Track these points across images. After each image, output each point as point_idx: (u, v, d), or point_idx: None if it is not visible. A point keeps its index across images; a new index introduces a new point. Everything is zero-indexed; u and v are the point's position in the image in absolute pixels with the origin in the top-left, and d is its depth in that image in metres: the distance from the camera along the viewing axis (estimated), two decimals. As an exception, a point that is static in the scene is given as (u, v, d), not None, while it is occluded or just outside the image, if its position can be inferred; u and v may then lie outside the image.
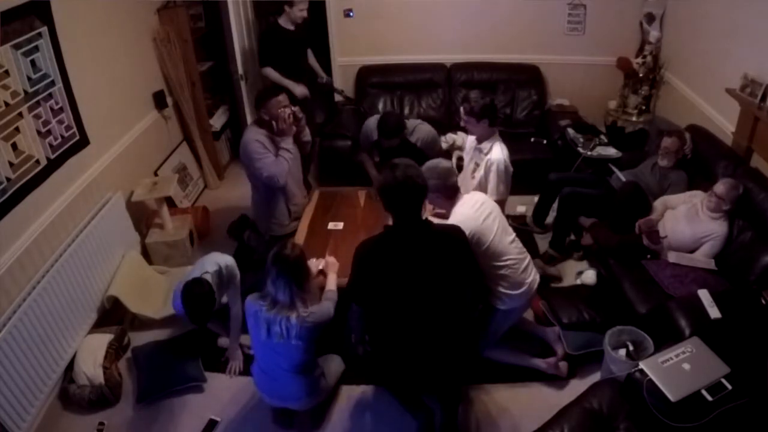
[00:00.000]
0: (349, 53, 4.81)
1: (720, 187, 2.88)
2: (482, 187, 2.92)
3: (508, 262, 2.54)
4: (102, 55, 3.36)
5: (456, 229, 2.26)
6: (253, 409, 2.66)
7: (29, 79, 2.69)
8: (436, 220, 2.37)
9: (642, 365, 2.14)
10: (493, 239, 2.48)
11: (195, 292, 2.45)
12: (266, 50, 3.88)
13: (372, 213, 3.22)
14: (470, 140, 3.14)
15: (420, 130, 3.45)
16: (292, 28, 3.84)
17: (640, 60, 4.31)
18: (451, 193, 2.53)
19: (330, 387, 2.57)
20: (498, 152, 2.89)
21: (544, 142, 4.24)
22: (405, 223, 2.11)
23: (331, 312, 2.33)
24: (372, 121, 3.49)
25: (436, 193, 2.47)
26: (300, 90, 3.89)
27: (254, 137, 3.05)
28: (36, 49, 2.73)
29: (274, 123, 3.03)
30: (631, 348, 2.54)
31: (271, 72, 3.87)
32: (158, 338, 3.04)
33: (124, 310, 3.12)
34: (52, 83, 2.86)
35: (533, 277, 2.67)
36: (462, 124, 3.10)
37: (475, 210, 2.49)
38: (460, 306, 2.25)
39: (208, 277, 2.57)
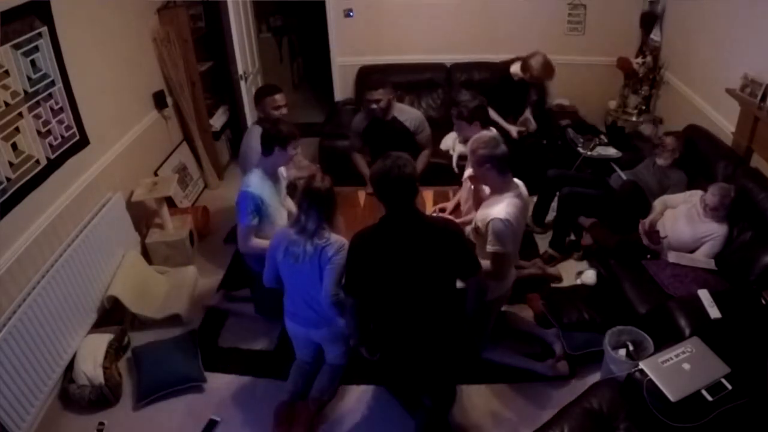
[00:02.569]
0: (349, 53, 4.81)
1: (711, 198, 2.87)
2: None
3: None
4: (102, 55, 3.36)
5: (449, 222, 2.25)
6: (253, 409, 2.66)
7: (29, 79, 2.69)
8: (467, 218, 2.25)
9: (642, 365, 2.14)
10: (513, 242, 2.45)
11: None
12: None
13: (372, 213, 3.21)
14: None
15: (409, 111, 3.55)
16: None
17: (640, 60, 4.31)
18: (502, 166, 2.37)
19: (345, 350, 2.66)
20: None
21: (544, 142, 4.23)
22: (396, 214, 2.12)
23: (344, 243, 2.32)
24: (359, 114, 3.59)
25: (487, 165, 2.35)
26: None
27: (256, 146, 3.06)
28: (36, 49, 2.73)
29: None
30: (631, 348, 2.54)
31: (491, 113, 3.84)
32: (158, 338, 3.04)
33: (124, 310, 3.11)
34: (52, 83, 2.86)
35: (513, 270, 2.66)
36: (455, 129, 3.10)
37: (518, 212, 2.39)
38: (453, 300, 2.24)
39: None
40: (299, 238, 2.32)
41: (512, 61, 3.89)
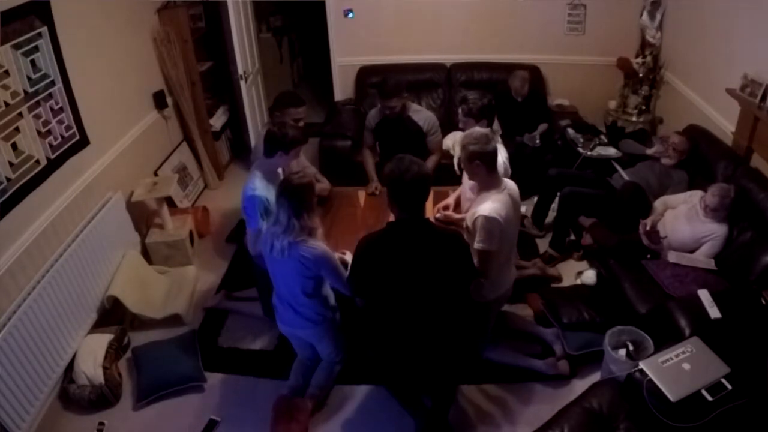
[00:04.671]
0: (349, 53, 4.81)
1: (711, 199, 2.87)
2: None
3: (501, 258, 2.52)
4: (102, 55, 3.36)
5: (457, 233, 2.26)
6: (253, 409, 2.66)
7: (29, 79, 2.69)
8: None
9: (642, 365, 2.14)
10: (504, 241, 2.45)
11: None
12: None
13: (372, 212, 3.22)
14: None
15: (423, 111, 3.56)
16: (519, 99, 4.20)
17: (640, 60, 4.32)
18: (491, 163, 2.36)
19: (340, 348, 2.68)
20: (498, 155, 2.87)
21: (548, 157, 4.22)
22: (407, 219, 2.12)
23: (326, 254, 2.30)
24: (374, 110, 3.60)
25: (477, 161, 2.33)
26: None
27: None
28: (36, 49, 2.73)
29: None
30: (631, 348, 2.54)
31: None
32: (158, 338, 3.04)
33: (124, 310, 3.12)
34: (52, 83, 2.86)
35: (512, 269, 2.67)
36: (460, 125, 3.10)
37: (506, 210, 2.38)
38: (455, 305, 2.25)
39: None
40: (278, 231, 2.29)
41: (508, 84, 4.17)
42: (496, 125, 4.10)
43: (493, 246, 2.33)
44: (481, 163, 2.35)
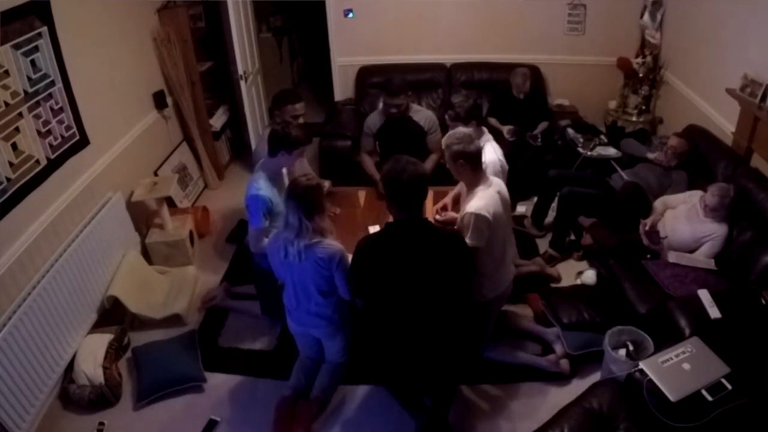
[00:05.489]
0: (349, 53, 4.81)
1: (710, 198, 2.87)
2: None
3: (495, 255, 2.52)
4: (102, 55, 3.36)
5: (456, 232, 2.26)
6: (253, 409, 2.66)
7: (29, 79, 2.69)
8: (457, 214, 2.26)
9: (642, 365, 2.14)
10: (496, 238, 2.46)
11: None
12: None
13: (372, 213, 3.22)
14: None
15: (423, 111, 3.56)
16: (521, 97, 4.24)
17: (640, 60, 4.32)
18: (476, 162, 2.39)
19: (346, 346, 2.67)
20: (491, 153, 2.85)
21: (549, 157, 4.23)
22: (405, 219, 2.12)
23: (339, 253, 2.30)
24: (373, 114, 3.58)
25: (461, 161, 2.36)
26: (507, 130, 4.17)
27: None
28: (36, 49, 2.73)
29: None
30: (631, 348, 2.54)
31: (492, 120, 4.22)
32: (158, 338, 3.04)
33: (124, 310, 3.12)
34: (52, 83, 2.86)
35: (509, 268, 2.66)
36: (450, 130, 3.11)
37: (494, 206, 2.39)
38: (455, 305, 2.25)
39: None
40: (290, 236, 2.30)
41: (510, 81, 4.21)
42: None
43: (482, 242, 2.34)
44: (465, 162, 2.37)
